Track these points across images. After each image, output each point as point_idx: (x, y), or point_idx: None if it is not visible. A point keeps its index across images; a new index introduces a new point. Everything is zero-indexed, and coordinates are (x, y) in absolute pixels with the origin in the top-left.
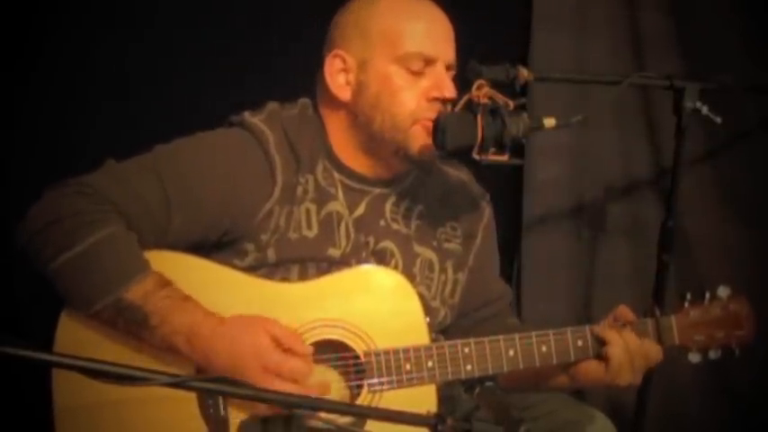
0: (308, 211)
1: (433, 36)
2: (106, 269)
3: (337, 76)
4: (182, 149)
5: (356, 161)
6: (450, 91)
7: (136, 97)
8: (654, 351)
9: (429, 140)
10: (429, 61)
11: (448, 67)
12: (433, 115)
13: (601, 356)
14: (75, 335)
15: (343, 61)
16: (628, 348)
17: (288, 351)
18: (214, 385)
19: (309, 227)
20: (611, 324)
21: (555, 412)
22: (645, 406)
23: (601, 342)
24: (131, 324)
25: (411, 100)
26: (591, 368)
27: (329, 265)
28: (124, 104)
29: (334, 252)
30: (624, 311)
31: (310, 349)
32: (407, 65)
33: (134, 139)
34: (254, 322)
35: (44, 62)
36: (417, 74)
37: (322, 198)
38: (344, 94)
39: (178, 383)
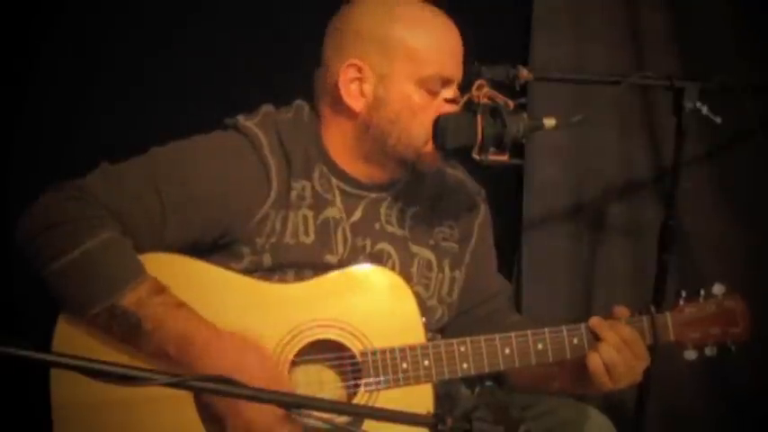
0: (305, 218)
1: (451, 57)
2: (101, 275)
3: (351, 84)
4: (176, 152)
5: (353, 166)
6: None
7: (132, 99)
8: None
9: (437, 157)
10: (446, 82)
11: (457, 84)
12: None
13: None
14: (73, 337)
15: (359, 71)
16: (623, 341)
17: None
18: (214, 385)
19: (307, 233)
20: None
21: (554, 411)
22: (645, 405)
23: (596, 337)
24: (125, 330)
25: (428, 119)
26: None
27: (326, 271)
28: (121, 106)
29: (331, 258)
30: (621, 311)
31: (292, 387)
32: (428, 86)
33: (130, 140)
34: (246, 344)
35: (44, 62)
36: (434, 93)
37: (319, 204)
38: (357, 103)
39: (178, 383)
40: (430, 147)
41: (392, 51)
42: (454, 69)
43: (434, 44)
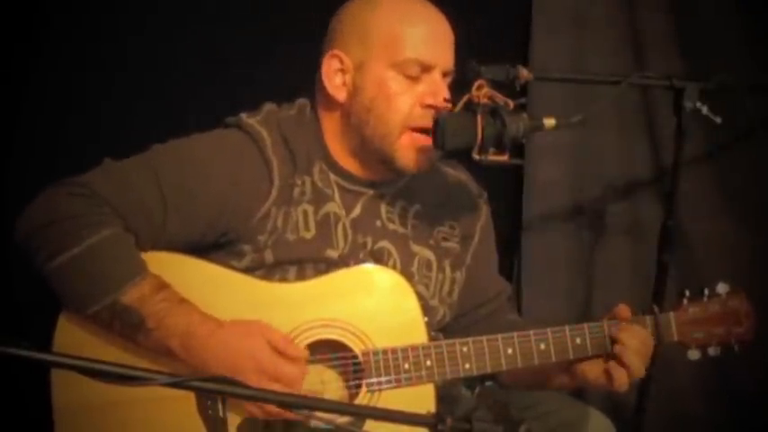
0: (305, 213)
1: (431, 42)
2: (103, 272)
3: (334, 76)
4: (178, 150)
5: (351, 163)
6: (444, 95)
7: (134, 98)
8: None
9: (415, 155)
10: (426, 68)
11: (446, 74)
12: (425, 123)
13: (599, 355)
14: (74, 337)
15: (341, 62)
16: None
17: (283, 356)
18: (214, 385)
19: (307, 228)
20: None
21: (554, 412)
22: (645, 406)
23: (613, 341)
24: (127, 327)
25: (405, 106)
26: (593, 367)
27: (327, 266)
28: (122, 104)
29: (332, 253)
30: (623, 310)
31: (305, 353)
32: (404, 70)
33: (132, 138)
34: (251, 326)
35: (44, 62)
36: (413, 79)
37: (319, 199)
38: (340, 94)
39: (178, 383)
40: (407, 139)
41: (369, 38)
42: (435, 55)
43: (412, 29)
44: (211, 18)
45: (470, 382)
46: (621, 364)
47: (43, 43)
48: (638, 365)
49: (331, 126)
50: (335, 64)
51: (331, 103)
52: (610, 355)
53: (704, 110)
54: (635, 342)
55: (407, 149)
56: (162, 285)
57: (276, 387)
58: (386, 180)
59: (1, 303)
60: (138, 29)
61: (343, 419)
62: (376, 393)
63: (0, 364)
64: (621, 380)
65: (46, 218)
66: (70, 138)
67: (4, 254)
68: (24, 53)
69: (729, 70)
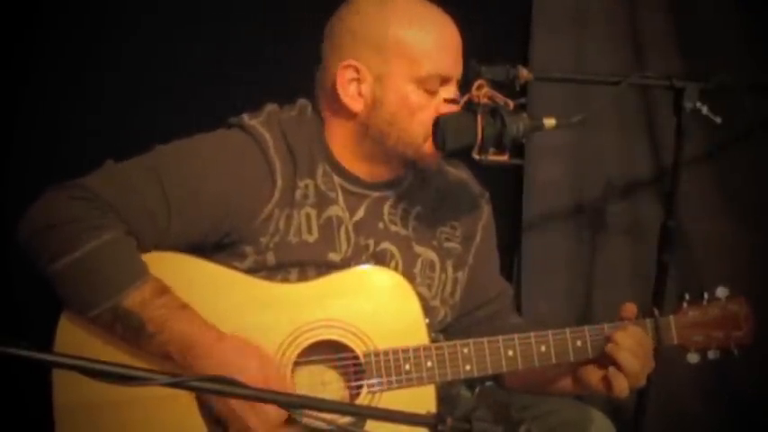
0: (308, 216)
1: (449, 55)
2: (104, 275)
3: (349, 86)
4: (181, 151)
5: (355, 165)
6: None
7: (134, 98)
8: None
9: (437, 152)
10: (445, 81)
11: (456, 81)
12: None
13: (600, 360)
14: (75, 336)
15: (357, 71)
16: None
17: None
18: (214, 385)
19: (310, 231)
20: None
21: (555, 412)
22: (645, 406)
23: (608, 340)
24: (128, 331)
25: (426, 118)
26: (595, 373)
27: (329, 270)
28: (123, 105)
29: (334, 257)
30: (630, 309)
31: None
32: (425, 85)
33: (132, 139)
34: (247, 347)
35: (44, 62)
36: (434, 93)
37: (322, 202)
38: (356, 104)
39: (178, 383)
40: (430, 145)
41: (388, 51)
42: (452, 67)
43: (431, 42)
44: (211, 18)
45: (471, 382)
46: (618, 366)
47: (43, 43)
48: (634, 365)
49: (340, 132)
50: (350, 74)
51: (343, 111)
52: (610, 361)
53: (704, 110)
54: (629, 341)
55: (430, 149)
56: (163, 290)
57: (258, 415)
58: (390, 181)
59: (1, 303)
60: (138, 29)
61: (343, 420)
62: (377, 394)
63: (0, 364)
64: (621, 386)
65: (47, 221)
66: (70, 138)
67: (4, 254)
68: (24, 53)
69: (729, 70)
